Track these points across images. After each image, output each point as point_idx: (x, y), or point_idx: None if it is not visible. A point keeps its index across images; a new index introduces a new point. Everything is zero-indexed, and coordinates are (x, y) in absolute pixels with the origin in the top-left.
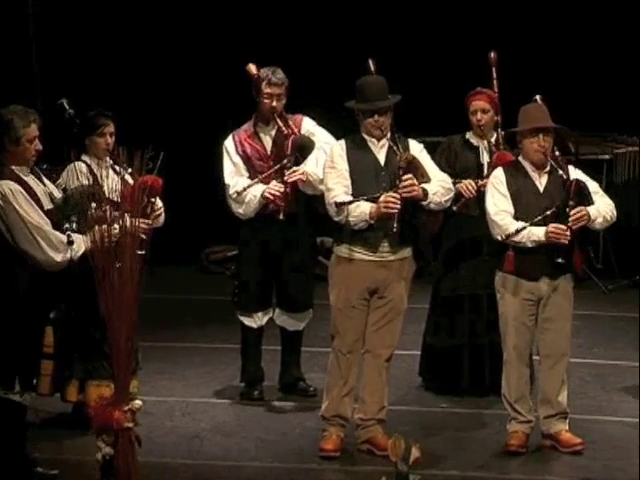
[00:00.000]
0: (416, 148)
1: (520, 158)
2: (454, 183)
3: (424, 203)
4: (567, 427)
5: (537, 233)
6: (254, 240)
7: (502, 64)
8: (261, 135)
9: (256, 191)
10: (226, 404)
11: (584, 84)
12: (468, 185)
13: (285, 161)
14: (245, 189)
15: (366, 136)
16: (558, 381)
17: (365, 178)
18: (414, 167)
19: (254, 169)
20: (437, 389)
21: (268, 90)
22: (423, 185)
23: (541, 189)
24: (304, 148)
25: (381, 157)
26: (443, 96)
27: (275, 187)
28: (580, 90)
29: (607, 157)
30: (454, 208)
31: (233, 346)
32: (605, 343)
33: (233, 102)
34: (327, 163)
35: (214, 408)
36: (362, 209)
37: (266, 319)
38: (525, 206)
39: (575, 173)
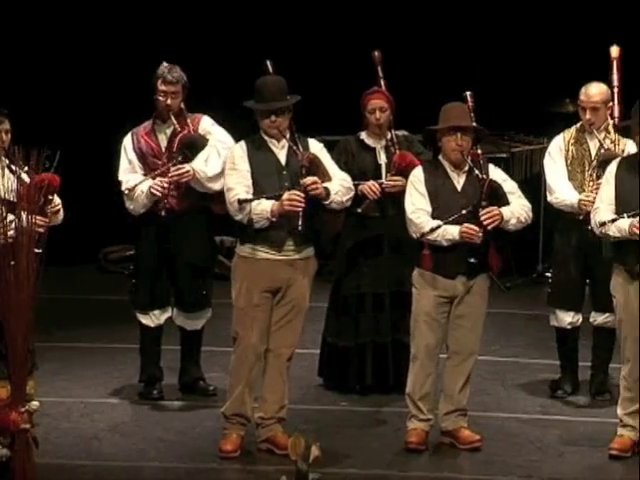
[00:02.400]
0: (316, 147)
1: (440, 157)
2: (355, 185)
3: (326, 202)
4: (466, 424)
5: (452, 232)
6: (148, 238)
7: (399, 63)
8: (158, 133)
9: (144, 187)
10: (125, 404)
11: (479, 83)
12: (372, 186)
13: (172, 158)
14: (136, 186)
15: (266, 136)
16: (462, 378)
17: (267, 178)
18: (315, 166)
19: (148, 166)
20: (337, 388)
21: (163, 88)
22: (325, 184)
23: (459, 188)
24: (193, 146)
25: (282, 157)
26: (337, 95)
27: (159, 183)
28: (475, 88)
29: (504, 156)
30: (359, 210)
31: (132, 346)
32: (503, 340)
33: (132, 101)
34: (228, 164)
35: (112, 408)
36: (263, 207)
37: (164, 318)
38: (443, 205)
39: (495, 172)
